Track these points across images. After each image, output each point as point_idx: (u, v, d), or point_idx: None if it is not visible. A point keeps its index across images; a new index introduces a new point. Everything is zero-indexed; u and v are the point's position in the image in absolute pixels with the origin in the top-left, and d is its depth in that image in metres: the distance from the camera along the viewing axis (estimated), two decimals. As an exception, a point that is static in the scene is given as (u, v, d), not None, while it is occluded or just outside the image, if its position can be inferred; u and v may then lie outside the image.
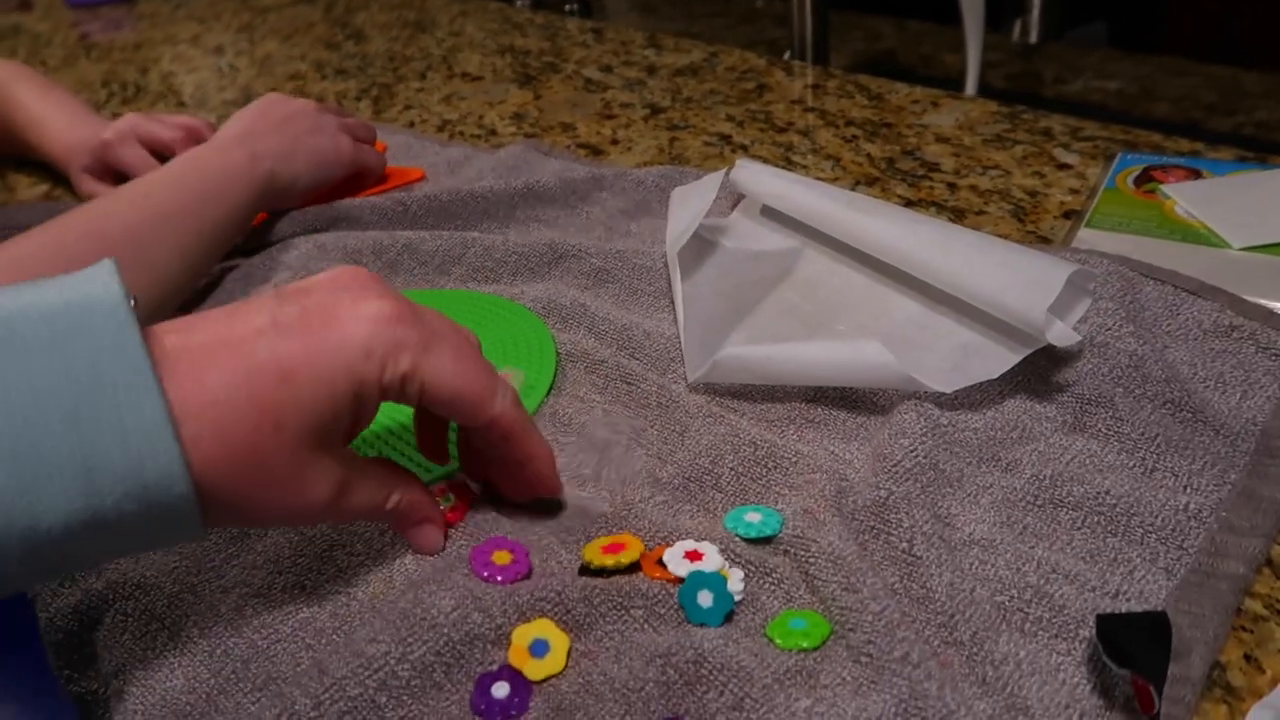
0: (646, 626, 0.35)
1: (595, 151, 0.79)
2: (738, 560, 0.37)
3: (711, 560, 0.37)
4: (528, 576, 0.37)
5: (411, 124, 0.89)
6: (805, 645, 0.34)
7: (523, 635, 0.34)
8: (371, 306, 0.34)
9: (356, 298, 0.34)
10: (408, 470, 0.40)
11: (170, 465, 0.29)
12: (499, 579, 0.37)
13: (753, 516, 0.39)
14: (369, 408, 0.35)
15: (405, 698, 0.33)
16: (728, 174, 0.64)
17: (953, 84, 1.10)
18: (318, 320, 0.33)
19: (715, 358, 0.47)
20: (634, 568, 0.37)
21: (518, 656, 0.34)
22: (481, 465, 0.42)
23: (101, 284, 0.30)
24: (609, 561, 0.36)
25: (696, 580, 0.36)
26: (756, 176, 0.62)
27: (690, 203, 0.60)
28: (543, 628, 0.35)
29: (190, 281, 0.57)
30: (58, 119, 0.78)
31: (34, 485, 0.27)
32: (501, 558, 0.37)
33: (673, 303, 0.56)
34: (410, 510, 0.38)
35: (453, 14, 1.24)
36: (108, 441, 0.28)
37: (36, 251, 0.50)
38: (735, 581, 0.37)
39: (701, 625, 0.35)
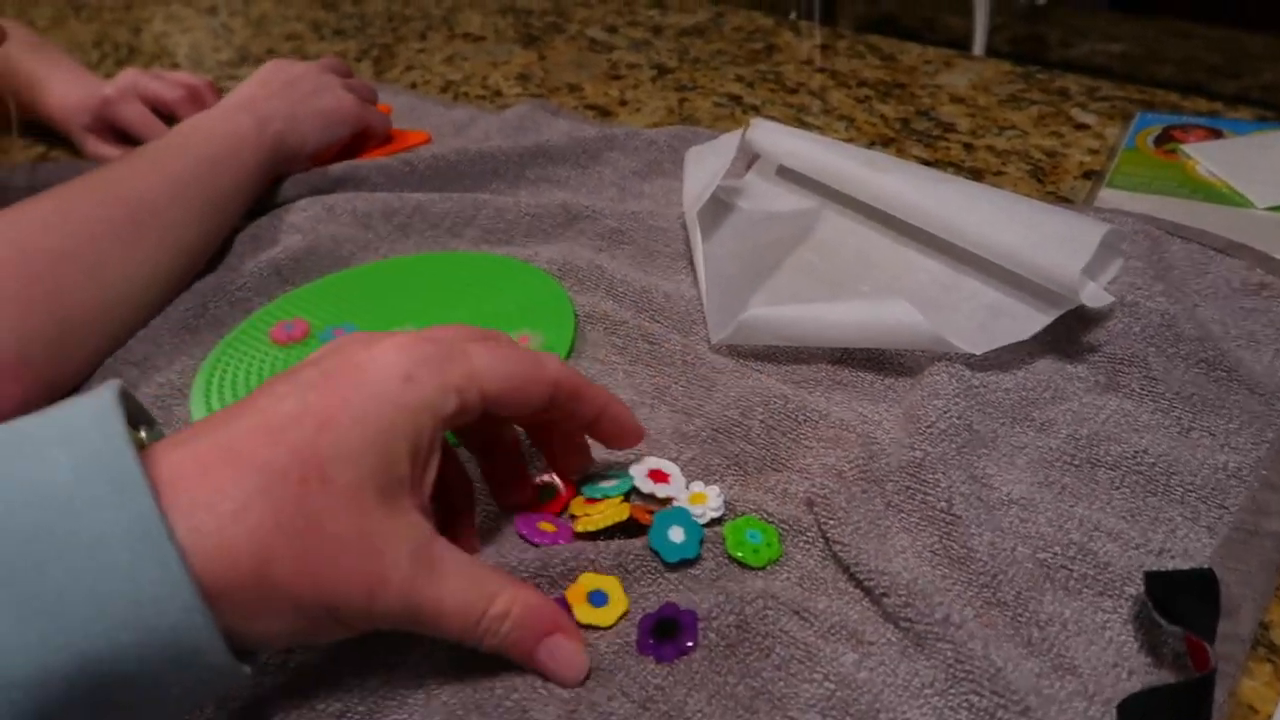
0: (681, 586, 0.35)
1: (603, 113, 0.78)
2: (770, 519, 0.37)
3: (676, 481, 0.39)
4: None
5: (414, 85, 0.87)
6: (772, 556, 0.35)
7: (578, 591, 0.34)
8: (388, 341, 0.31)
9: (368, 343, 0.31)
10: (513, 576, 0.33)
11: (166, 564, 0.25)
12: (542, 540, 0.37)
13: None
14: (427, 442, 0.30)
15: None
16: (744, 134, 0.63)
17: (957, 47, 1.09)
18: (341, 371, 0.30)
19: (741, 318, 0.46)
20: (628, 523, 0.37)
21: (581, 609, 0.34)
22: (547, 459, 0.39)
23: (91, 397, 0.27)
24: (596, 523, 0.37)
25: (663, 521, 0.36)
26: (773, 136, 0.61)
27: (706, 163, 0.59)
28: (594, 580, 0.35)
29: (206, 248, 0.57)
30: (54, 78, 0.76)
31: None
32: (547, 526, 0.37)
33: (691, 264, 0.55)
34: (528, 622, 0.31)
35: (450, -26, 1.21)
36: (78, 558, 0.24)
37: (53, 214, 0.49)
38: (714, 499, 0.37)
39: (682, 562, 0.35)
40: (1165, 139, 0.63)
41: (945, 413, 0.40)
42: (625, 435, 0.37)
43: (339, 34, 1.03)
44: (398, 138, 0.74)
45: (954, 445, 0.39)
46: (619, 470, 0.40)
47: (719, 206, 0.59)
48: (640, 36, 0.93)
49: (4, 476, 0.25)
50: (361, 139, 0.71)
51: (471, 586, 0.30)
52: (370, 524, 0.28)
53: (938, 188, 0.51)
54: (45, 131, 0.80)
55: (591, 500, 0.38)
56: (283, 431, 0.28)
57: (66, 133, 0.76)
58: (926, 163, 0.65)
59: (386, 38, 1.00)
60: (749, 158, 0.65)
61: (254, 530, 0.26)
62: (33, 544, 0.24)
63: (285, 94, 0.64)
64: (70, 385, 0.48)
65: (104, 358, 0.50)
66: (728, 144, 0.59)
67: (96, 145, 0.73)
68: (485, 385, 0.31)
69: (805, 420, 0.42)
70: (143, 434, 0.29)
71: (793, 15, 1.03)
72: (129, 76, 0.74)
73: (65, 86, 0.76)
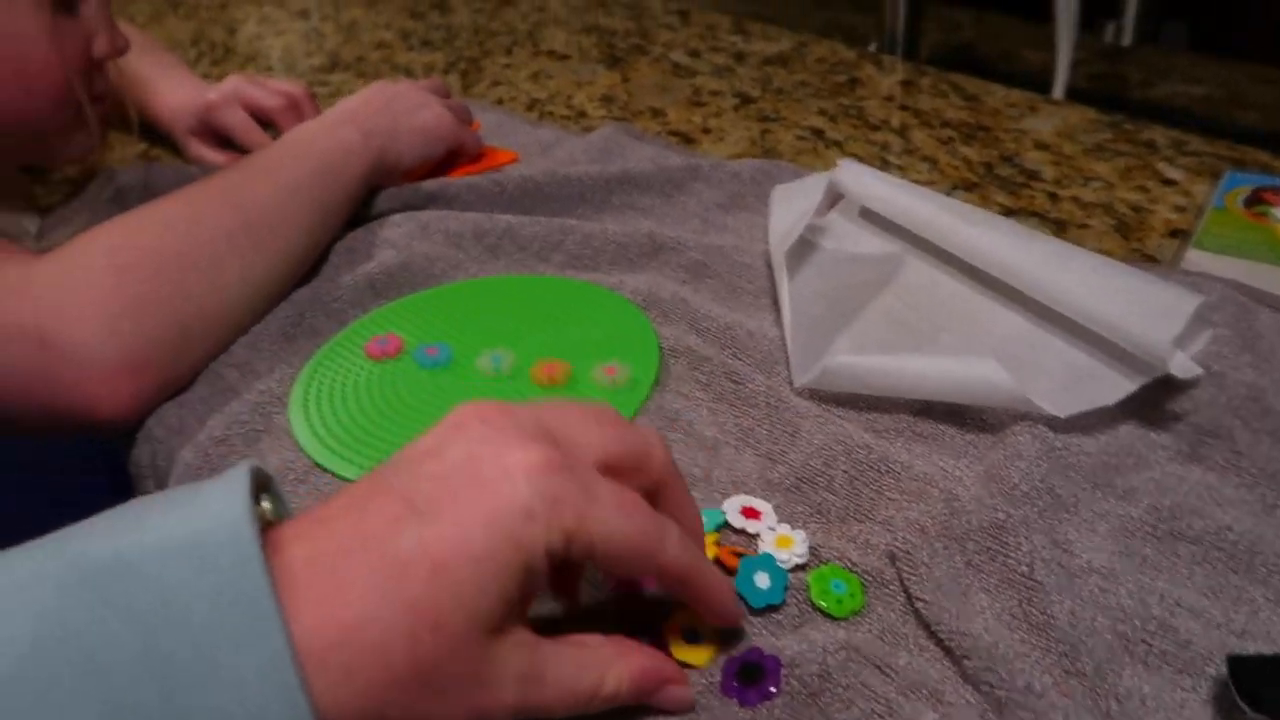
0: (765, 631, 0.36)
1: (686, 139, 0.79)
2: (854, 568, 0.38)
3: (768, 519, 0.40)
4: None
5: (500, 101, 0.89)
6: (855, 607, 0.37)
7: (673, 625, 0.36)
8: (518, 457, 0.29)
9: (499, 450, 0.29)
10: (617, 639, 0.33)
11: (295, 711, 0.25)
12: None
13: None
14: (539, 574, 0.29)
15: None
16: (831, 175, 0.64)
17: (1035, 82, 1.09)
18: (462, 490, 0.28)
19: (825, 364, 0.47)
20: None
21: (676, 644, 0.35)
22: None
23: (227, 501, 0.27)
24: None
25: (749, 566, 0.37)
26: (859, 178, 0.61)
27: (794, 202, 0.60)
28: (689, 616, 0.36)
29: (310, 257, 0.59)
30: (161, 80, 0.79)
31: None
32: None
33: (773, 303, 0.56)
34: (638, 691, 0.32)
35: (535, -13, 1.23)
36: (213, 695, 0.24)
37: (179, 219, 0.51)
38: (800, 544, 0.39)
39: (768, 608, 0.37)
40: (1255, 200, 0.62)
41: (1027, 475, 0.41)
42: (722, 619, 0.35)
43: (427, 45, 1.06)
44: (488, 155, 0.76)
45: (1035, 508, 0.40)
46: (710, 509, 0.41)
47: (803, 245, 0.59)
48: (722, 63, 0.94)
49: (139, 603, 0.25)
50: (454, 155, 0.73)
51: (576, 678, 0.30)
52: (480, 660, 0.28)
53: (1028, 245, 0.51)
54: (144, 130, 0.83)
55: None
56: (397, 578, 0.27)
57: (170, 134, 0.79)
58: (1010, 211, 0.65)
59: (473, 51, 1.02)
60: (831, 198, 0.66)
61: (365, 689, 0.26)
62: (172, 682, 0.24)
63: (387, 111, 0.66)
64: (177, 387, 0.51)
65: (210, 362, 0.52)
66: (815, 185, 0.60)
67: (199, 148, 0.76)
68: (596, 543, 0.29)
69: (887, 472, 0.43)
70: (265, 505, 0.29)
71: (873, 46, 1.04)
72: (231, 82, 0.77)
73: (172, 89, 0.79)
